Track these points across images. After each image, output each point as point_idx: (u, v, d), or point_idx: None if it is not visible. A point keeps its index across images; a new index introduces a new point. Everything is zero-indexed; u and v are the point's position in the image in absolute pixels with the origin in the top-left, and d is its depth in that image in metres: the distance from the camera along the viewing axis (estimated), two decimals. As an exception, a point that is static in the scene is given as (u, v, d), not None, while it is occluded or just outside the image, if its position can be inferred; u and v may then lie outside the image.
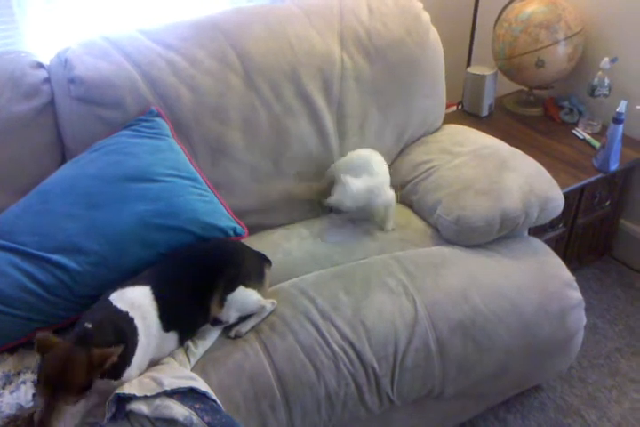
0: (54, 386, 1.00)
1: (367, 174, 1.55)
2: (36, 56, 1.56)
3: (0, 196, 1.42)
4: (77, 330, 1.08)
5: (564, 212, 1.66)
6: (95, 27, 1.78)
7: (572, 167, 1.92)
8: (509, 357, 1.45)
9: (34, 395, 1.11)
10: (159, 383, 1.09)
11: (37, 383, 1.02)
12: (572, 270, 1.57)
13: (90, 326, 1.08)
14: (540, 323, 1.46)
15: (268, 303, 1.32)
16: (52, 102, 1.51)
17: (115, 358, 1.03)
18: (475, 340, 1.39)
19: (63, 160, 1.51)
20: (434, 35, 1.83)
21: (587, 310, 1.55)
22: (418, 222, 1.67)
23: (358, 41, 1.74)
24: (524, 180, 1.59)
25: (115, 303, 1.15)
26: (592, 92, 2.01)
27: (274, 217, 1.70)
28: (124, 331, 1.12)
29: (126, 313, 1.14)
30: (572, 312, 1.51)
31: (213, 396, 1.12)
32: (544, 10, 2.02)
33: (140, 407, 1.06)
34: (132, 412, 1.07)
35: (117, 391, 1.07)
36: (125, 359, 1.10)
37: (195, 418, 1.06)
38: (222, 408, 1.11)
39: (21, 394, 1.11)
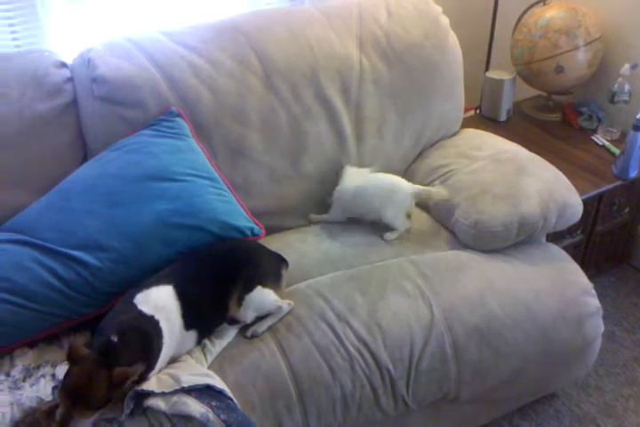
0: (74, 400, 1.02)
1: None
2: (59, 55, 1.58)
3: (23, 193, 1.44)
4: (103, 342, 1.08)
5: (582, 219, 1.65)
6: (118, 27, 1.80)
7: (591, 174, 1.91)
8: (525, 362, 1.44)
9: (53, 388, 1.12)
10: (177, 380, 1.10)
11: (59, 392, 1.03)
12: (590, 278, 1.55)
13: (115, 339, 1.08)
14: (557, 329, 1.45)
15: (285, 304, 1.32)
16: (74, 102, 1.53)
17: (135, 378, 1.03)
18: (491, 345, 1.38)
19: (85, 159, 1.53)
20: (453, 39, 1.83)
21: (604, 318, 1.53)
22: (434, 226, 1.66)
23: (377, 44, 1.75)
24: (543, 185, 1.58)
25: (140, 307, 1.16)
26: (612, 98, 1.99)
27: (291, 218, 1.70)
28: (150, 337, 1.12)
29: (152, 317, 1.15)
30: (589, 319, 1.49)
31: (230, 394, 1.12)
32: (563, 15, 2.01)
33: (158, 404, 1.06)
34: (149, 408, 1.08)
35: (136, 388, 1.07)
36: (150, 364, 1.11)
37: (211, 415, 1.06)
38: (238, 407, 1.11)
39: (41, 387, 1.12)
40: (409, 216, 1.62)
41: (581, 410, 1.72)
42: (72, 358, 1.05)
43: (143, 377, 1.10)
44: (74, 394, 1.02)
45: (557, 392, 1.76)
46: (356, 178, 1.64)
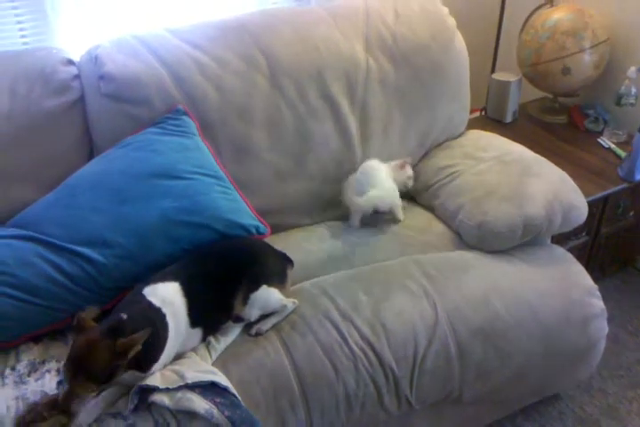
0: (76, 370, 1.01)
1: (371, 187, 1.59)
2: (66, 53, 1.59)
3: (29, 189, 1.45)
4: (112, 319, 1.09)
5: (587, 221, 1.64)
6: (125, 25, 1.81)
7: (597, 176, 1.90)
8: (529, 363, 1.43)
9: (58, 383, 1.13)
10: (181, 376, 1.10)
11: (64, 364, 1.03)
12: (595, 280, 1.55)
13: (125, 317, 1.09)
14: (561, 330, 1.45)
15: (290, 303, 1.32)
16: (81, 99, 1.53)
17: (139, 347, 1.03)
18: (495, 345, 1.38)
19: (91, 155, 1.54)
20: (459, 40, 1.83)
21: (608, 320, 1.53)
22: (439, 226, 1.66)
23: (384, 44, 1.75)
24: (548, 187, 1.58)
25: (148, 298, 1.16)
26: (618, 100, 1.99)
27: (295, 217, 1.70)
28: (156, 326, 1.13)
29: (159, 309, 1.15)
30: (594, 321, 1.49)
31: (234, 391, 1.12)
32: (571, 17, 2.01)
33: (162, 399, 1.07)
34: (153, 403, 1.08)
35: (140, 383, 1.08)
36: (155, 354, 1.11)
37: (215, 412, 1.06)
38: (242, 404, 1.11)
39: (46, 382, 1.12)
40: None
41: (584, 412, 1.72)
42: (78, 327, 1.05)
43: (147, 367, 1.10)
44: (76, 365, 1.01)
45: (561, 394, 1.76)
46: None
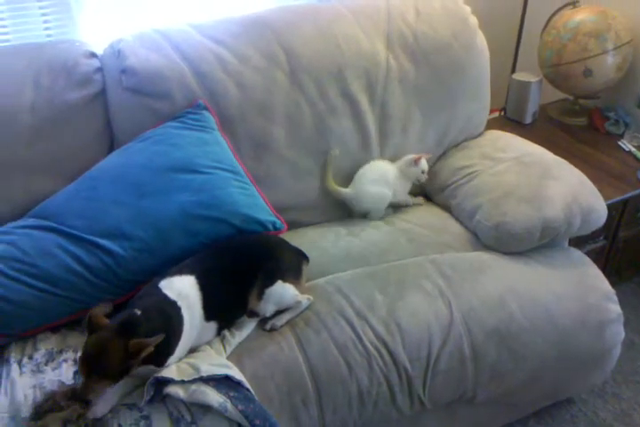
0: (91, 369, 1.03)
1: (351, 187, 1.69)
2: (89, 46, 1.60)
3: (50, 180, 1.46)
4: (126, 314, 1.10)
5: (605, 224, 1.63)
6: (148, 19, 1.82)
7: (616, 179, 1.88)
8: (543, 366, 1.42)
9: (75, 373, 1.14)
10: (196, 369, 1.11)
11: (78, 361, 1.05)
12: (612, 285, 1.53)
13: (139, 313, 1.09)
14: (576, 334, 1.44)
15: (305, 299, 1.32)
16: (103, 92, 1.55)
17: (151, 349, 1.04)
18: (509, 347, 1.37)
19: (111, 148, 1.55)
20: (481, 39, 1.82)
21: (624, 325, 1.51)
22: (456, 227, 1.65)
23: (404, 43, 1.74)
24: (568, 189, 1.57)
25: (164, 291, 1.17)
26: (640, 103, 1.97)
27: (311, 214, 1.70)
28: (171, 319, 1.13)
29: (175, 302, 1.16)
30: (610, 326, 1.48)
31: (248, 385, 1.13)
32: (594, 19, 1.99)
33: (177, 391, 1.07)
34: (168, 395, 1.09)
35: (156, 375, 1.08)
36: (169, 348, 1.12)
37: (229, 405, 1.07)
38: (256, 398, 1.12)
39: (63, 372, 1.13)
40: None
41: (597, 417, 1.70)
42: (91, 326, 1.06)
43: (162, 361, 1.11)
44: (90, 364, 1.02)
45: (574, 398, 1.75)
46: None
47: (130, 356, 1.03)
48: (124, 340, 1.03)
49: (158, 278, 1.21)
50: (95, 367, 1.02)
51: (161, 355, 1.10)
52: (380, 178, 1.67)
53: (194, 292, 1.20)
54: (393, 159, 1.76)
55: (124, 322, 1.08)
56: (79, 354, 1.05)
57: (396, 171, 1.70)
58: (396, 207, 1.74)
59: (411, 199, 1.77)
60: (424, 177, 1.72)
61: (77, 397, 1.03)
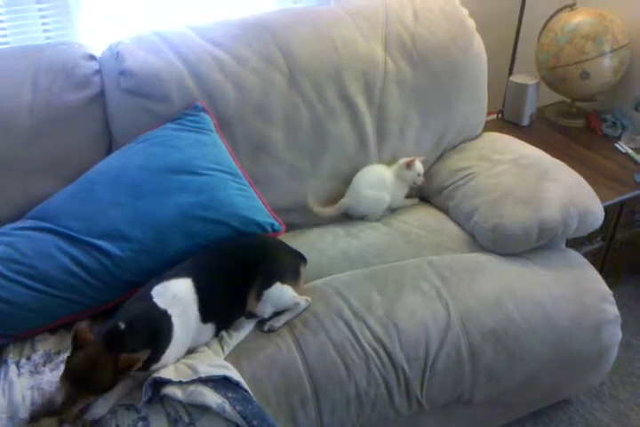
0: (77, 384, 1.03)
1: (348, 195, 1.71)
2: (88, 48, 1.60)
3: (48, 182, 1.46)
4: (110, 328, 1.09)
5: (602, 226, 1.63)
6: (146, 21, 1.82)
7: (613, 181, 1.89)
8: (540, 367, 1.43)
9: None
10: (194, 370, 1.11)
11: (61, 376, 1.04)
12: (608, 286, 1.54)
13: (123, 326, 1.08)
14: (574, 336, 1.44)
15: (303, 300, 1.33)
16: (101, 93, 1.55)
17: (140, 365, 1.04)
18: (507, 348, 1.37)
19: (110, 150, 1.55)
20: (478, 42, 1.83)
21: (621, 327, 1.52)
22: (453, 228, 1.66)
23: (402, 45, 1.75)
24: (565, 191, 1.57)
25: (155, 299, 1.17)
26: (637, 106, 1.98)
27: (309, 216, 1.70)
28: (157, 331, 1.13)
29: (164, 311, 1.15)
30: (607, 327, 1.48)
31: (246, 386, 1.13)
32: (591, 21, 2.00)
33: (175, 392, 1.08)
34: (166, 396, 1.09)
35: (154, 375, 1.09)
36: (154, 357, 1.11)
37: (227, 406, 1.07)
38: (254, 399, 1.12)
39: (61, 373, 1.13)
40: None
41: (595, 418, 1.71)
42: (76, 341, 1.06)
43: (147, 367, 1.10)
44: (76, 380, 1.02)
45: (571, 399, 1.75)
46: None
47: (119, 371, 1.03)
48: (113, 355, 1.03)
49: (154, 282, 1.21)
50: (83, 383, 1.02)
51: (146, 362, 1.08)
52: (377, 182, 1.68)
53: (189, 295, 1.20)
54: (390, 162, 1.76)
55: (108, 336, 1.07)
56: (62, 372, 1.05)
57: (392, 175, 1.71)
58: (393, 209, 1.75)
59: (408, 202, 1.78)
60: (420, 180, 1.72)
61: (60, 409, 1.02)
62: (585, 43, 1.98)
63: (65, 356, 1.17)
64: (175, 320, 1.16)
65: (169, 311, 1.16)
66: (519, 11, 2.28)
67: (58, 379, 1.05)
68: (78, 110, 1.50)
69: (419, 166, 1.71)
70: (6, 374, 1.14)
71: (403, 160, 1.72)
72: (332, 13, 1.77)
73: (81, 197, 1.36)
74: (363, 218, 1.71)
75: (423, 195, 1.84)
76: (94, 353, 1.04)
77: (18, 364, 1.17)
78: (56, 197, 1.40)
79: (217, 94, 1.57)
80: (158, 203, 1.33)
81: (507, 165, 1.69)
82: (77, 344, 1.06)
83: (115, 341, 1.06)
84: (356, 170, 1.72)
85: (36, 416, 1.06)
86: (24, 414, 1.05)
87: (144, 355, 1.04)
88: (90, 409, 1.06)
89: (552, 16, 2.17)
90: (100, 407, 1.07)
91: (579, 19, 2.02)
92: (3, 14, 1.66)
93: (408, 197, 1.78)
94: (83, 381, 1.02)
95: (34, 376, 1.13)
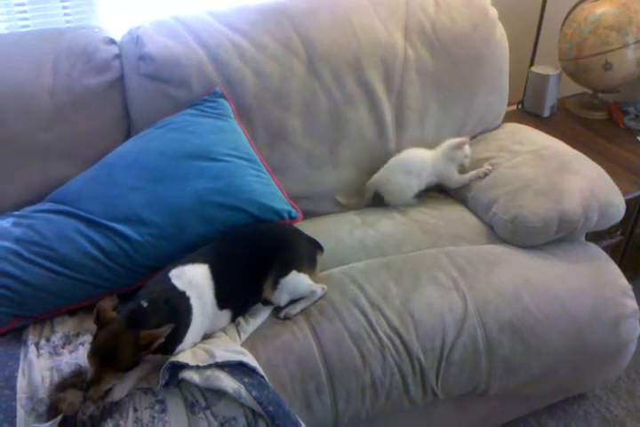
0: (101, 361, 1.03)
1: (379, 174, 1.70)
2: (108, 32, 1.60)
3: (68, 165, 1.47)
4: (133, 306, 1.10)
5: (622, 219, 1.61)
6: (166, 6, 1.81)
7: (635, 175, 1.86)
8: (558, 361, 1.42)
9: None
10: (211, 355, 1.11)
11: (88, 355, 1.05)
12: (627, 280, 1.52)
13: (145, 304, 1.10)
14: (592, 329, 1.42)
15: (319, 288, 1.32)
16: (121, 78, 1.55)
17: (162, 340, 1.05)
18: (524, 341, 1.36)
19: (129, 134, 1.55)
20: (500, 31, 1.80)
21: (640, 321, 1.50)
22: (471, 219, 1.64)
23: (423, 33, 1.73)
24: (586, 183, 1.55)
25: (173, 281, 1.17)
26: (661, 98, 1.94)
27: (326, 204, 1.70)
28: (178, 310, 1.13)
29: (183, 292, 1.16)
30: (626, 321, 1.46)
31: (262, 372, 1.13)
32: (615, 12, 1.96)
33: (192, 377, 1.08)
34: (183, 380, 1.09)
35: (172, 360, 1.09)
36: (177, 337, 1.12)
37: (243, 391, 1.07)
38: (270, 385, 1.12)
39: (80, 355, 1.14)
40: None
41: (610, 413, 1.69)
42: (99, 320, 1.07)
43: (171, 349, 1.11)
44: (101, 357, 1.03)
45: (587, 394, 1.74)
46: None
47: (141, 348, 1.04)
48: (134, 332, 1.04)
49: (170, 267, 1.21)
50: (107, 360, 1.03)
51: (169, 344, 1.10)
52: (411, 169, 1.66)
53: (206, 281, 1.20)
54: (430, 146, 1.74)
55: (131, 314, 1.08)
56: (88, 347, 1.06)
57: (437, 156, 1.68)
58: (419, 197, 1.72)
59: (466, 177, 1.69)
60: (467, 161, 1.70)
61: (88, 385, 1.03)
62: (609, 33, 1.94)
63: (84, 338, 1.18)
64: (194, 303, 1.16)
65: (187, 293, 1.16)
66: (542, 0, 2.24)
67: (86, 356, 1.06)
68: (98, 94, 1.50)
69: (467, 148, 1.69)
70: (26, 355, 1.15)
71: (452, 141, 1.69)
72: (351, 0, 1.74)
73: (100, 180, 1.36)
74: (388, 201, 1.70)
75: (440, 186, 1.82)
76: (115, 331, 1.05)
77: (37, 345, 1.18)
78: (75, 181, 1.40)
79: (236, 80, 1.56)
80: (176, 188, 1.33)
81: (527, 155, 1.67)
82: (100, 322, 1.06)
83: (137, 319, 1.07)
84: (374, 158, 1.71)
85: (62, 386, 1.06)
86: (43, 394, 1.06)
87: (166, 331, 1.05)
88: (110, 392, 1.07)
89: (575, 6, 2.13)
90: (120, 390, 1.07)
91: (603, 9, 1.98)
92: (23, -2, 1.66)
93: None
94: (107, 358, 1.03)
95: (53, 358, 1.14)
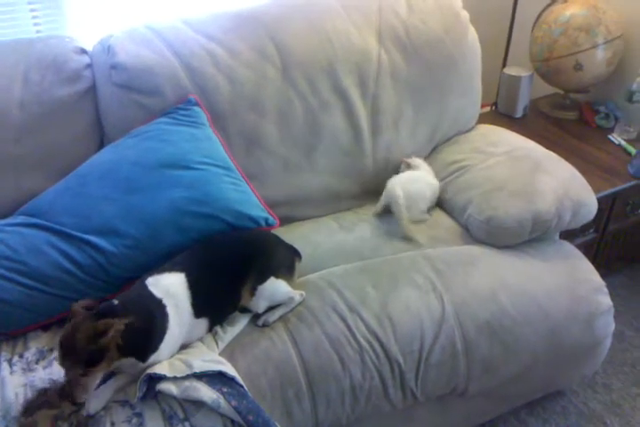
0: (64, 354, 1.03)
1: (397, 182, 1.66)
2: (79, 42, 1.58)
3: (39, 177, 1.45)
4: (104, 304, 1.10)
5: (595, 217, 1.64)
6: (138, 15, 1.80)
7: (606, 173, 1.90)
8: (535, 359, 1.44)
9: (67, 371, 1.13)
10: (188, 366, 1.11)
11: (57, 355, 1.05)
12: (601, 277, 1.54)
13: (116, 302, 1.10)
14: (567, 327, 1.45)
15: (297, 295, 1.32)
16: (93, 88, 1.54)
17: (121, 327, 1.04)
18: (501, 341, 1.38)
19: (102, 145, 1.54)
20: (472, 34, 1.82)
21: (614, 317, 1.53)
22: (447, 221, 1.66)
23: (396, 38, 1.74)
24: (559, 183, 1.57)
25: (150, 288, 1.17)
26: (630, 97, 1.98)
27: (303, 209, 1.70)
28: (153, 316, 1.13)
29: (160, 300, 1.16)
30: (600, 318, 1.49)
31: (241, 381, 1.13)
32: (584, 13, 2.00)
33: (170, 388, 1.07)
34: (161, 392, 1.08)
35: (148, 371, 1.08)
36: (152, 343, 1.12)
37: (222, 401, 1.07)
38: (249, 394, 1.12)
39: (54, 370, 1.13)
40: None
41: (588, 408, 1.72)
42: (71, 318, 1.06)
43: (145, 356, 1.10)
44: (63, 348, 1.03)
45: (565, 389, 1.76)
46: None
47: (99, 334, 1.02)
48: (94, 321, 1.04)
49: (146, 275, 1.20)
50: (67, 351, 1.02)
51: (144, 348, 1.09)
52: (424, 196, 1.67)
53: (182, 290, 1.19)
54: (385, 155, 1.75)
55: (100, 310, 1.08)
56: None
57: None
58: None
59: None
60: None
61: (67, 392, 1.03)
62: (578, 34, 1.97)
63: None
64: (170, 310, 1.16)
65: (164, 301, 1.16)
66: (512, 3, 2.27)
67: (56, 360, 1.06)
68: (69, 105, 1.49)
69: (418, 162, 1.72)
70: (-1, 372, 1.14)
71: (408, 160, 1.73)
72: (324, 5, 1.75)
73: (73, 192, 1.35)
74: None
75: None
76: (78, 322, 1.04)
77: (10, 362, 1.16)
78: (47, 193, 1.39)
79: (210, 88, 1.56)
80: (151, 198, 1.32)
81: (500, 157, 1.69)
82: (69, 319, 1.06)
83: (106, 315, 1.06)
84: (351, 162, 1.71)
85: (30, 409, 1.05)
86: (17, 412, 1.04)
87: (124, 321, 1.04)
88: (85, 405, 1.06)
89: (545, 8, 2.17)
90: (96, 403, 1.06)
91: (572, 10, 2.02)
92: (-8, 7, 1.64)
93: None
94: (67, 349, 1.03)
95: (26, 374, 1.13)
